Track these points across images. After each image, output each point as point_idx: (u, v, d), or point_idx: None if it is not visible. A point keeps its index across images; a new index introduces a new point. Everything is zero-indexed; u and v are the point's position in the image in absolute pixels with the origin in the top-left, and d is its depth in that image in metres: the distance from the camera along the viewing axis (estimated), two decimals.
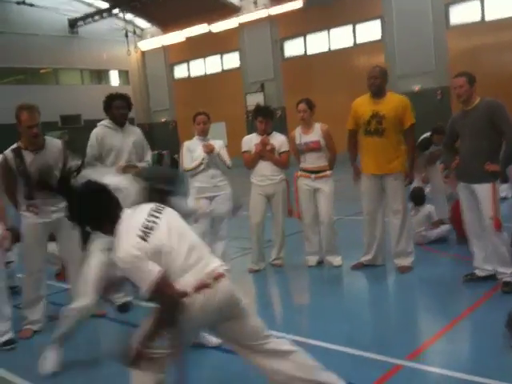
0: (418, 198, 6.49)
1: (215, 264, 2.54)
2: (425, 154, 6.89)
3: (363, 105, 5.26)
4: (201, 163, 5.45)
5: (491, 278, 4.64)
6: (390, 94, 5.24)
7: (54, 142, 4.53)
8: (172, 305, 2.36)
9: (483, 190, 4.49)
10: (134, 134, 5.01)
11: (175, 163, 23.13)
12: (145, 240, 2.41)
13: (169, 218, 2.59)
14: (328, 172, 5.61)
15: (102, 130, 4.86)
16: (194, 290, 2.40)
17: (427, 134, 6.97)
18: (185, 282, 2.42)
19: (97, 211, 2.55)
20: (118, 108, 4.84)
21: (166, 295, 2.37)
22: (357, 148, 5.50)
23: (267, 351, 2.61)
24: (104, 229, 2.59)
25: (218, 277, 2.47)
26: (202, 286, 2.41)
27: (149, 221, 2.50)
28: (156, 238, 2.44)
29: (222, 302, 2.46)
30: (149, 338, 2.42)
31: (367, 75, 5.17)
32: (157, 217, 2.54)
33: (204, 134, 5.60)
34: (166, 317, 2.38)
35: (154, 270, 2.36)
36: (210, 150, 5.43)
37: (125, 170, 4.80)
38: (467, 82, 4.48)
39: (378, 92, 5.16)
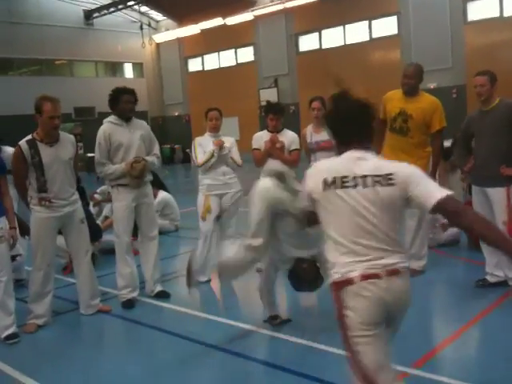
0: None
1: (393, 260, 2.21)
2: (446, 163, 6.78)
3: (393, 100, 5.11)
4: (212, 155, 5.39)
5: (502, 284, 4.55)
6: (423, 94, 5.05)
7: (67, 137, 4.56)
8: None
9: (497, 193, 4.40)
10: (141, 128, 4.97)
11: (187, 158, 23.19)
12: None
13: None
14: None
15: (109, 127, 4.82)
16: (361, 278, 2.17)
17: (448, 144, 6.82)
18: (347, 265, 2.20)
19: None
20: (127, 102, 4.81)
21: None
22: (384, 136, 5.31)
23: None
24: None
25: (392, 272, 2.19)
26: (371, 276, 2.17)
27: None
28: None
29: (390, 301, 2.19)
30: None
31: (402, 73, 4.98)
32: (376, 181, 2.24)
33: (216, 130, 5.54)
34: None
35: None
36: (220, 145, 5.39)
37: (133, 164, 4.78)
38: (489, 81, 4.39)
39: (410, 92, 4.99)
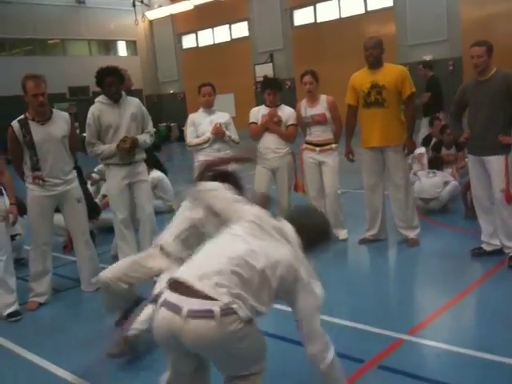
0: (436, 163, 6.69)
1: None
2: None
3: (362, 77, 5.18)
4: (205, 142, 5.39)
5: (498, 252, 4.59)
6: (388, 65, 5.15)
7: (61, 115, 4.52)
8: None
9: (495, 162, 4.41)
10: (132, 106, 4.85)
11: (183, 136, 23.11)
12: None
13: None
14: (333, 145, 5.53)
15: (98, 107, 4.76)
16: None
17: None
18: None
19: None
20: (109, 85, 4.69)
21: None
22: (355, 125, 5.42)
23: None
24: None
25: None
26: None
27: None
28: None
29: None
30: None
31: (364, 47, 5.08)
32: None
33: (209, 105, 5.53)
34: None
35: None
36: (220, 135, 5.39)
37: (121, 142, 4.73)
38: (486, 51, 4.37)
39: (375, 63, 5.07)
